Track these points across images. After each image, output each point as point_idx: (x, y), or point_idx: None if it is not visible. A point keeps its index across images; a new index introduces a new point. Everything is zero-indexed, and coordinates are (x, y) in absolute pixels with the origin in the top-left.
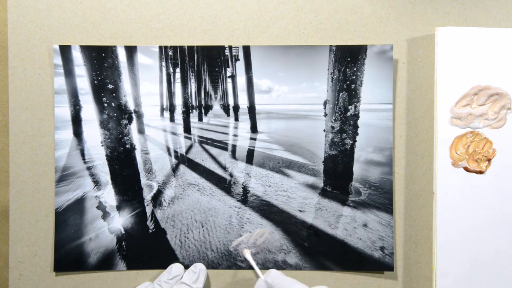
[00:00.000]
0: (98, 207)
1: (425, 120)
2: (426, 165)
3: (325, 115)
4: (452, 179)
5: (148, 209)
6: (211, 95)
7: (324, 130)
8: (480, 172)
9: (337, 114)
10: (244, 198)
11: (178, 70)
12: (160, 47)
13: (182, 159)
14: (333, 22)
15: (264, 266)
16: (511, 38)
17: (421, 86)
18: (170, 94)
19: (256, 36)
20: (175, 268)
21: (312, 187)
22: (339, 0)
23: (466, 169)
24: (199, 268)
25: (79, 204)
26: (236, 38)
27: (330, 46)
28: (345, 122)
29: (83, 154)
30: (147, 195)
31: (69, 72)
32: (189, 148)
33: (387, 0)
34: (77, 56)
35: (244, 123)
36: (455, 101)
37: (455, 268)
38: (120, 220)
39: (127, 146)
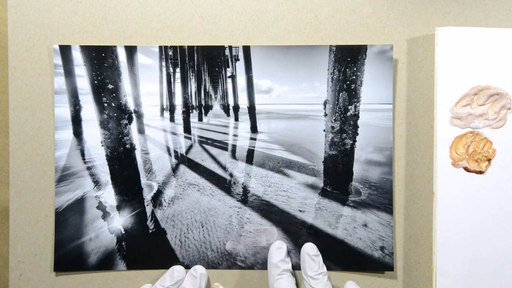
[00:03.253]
0: (98, 207)
1: (425, 120)
2: (426, 165)
3: (325, 115)
4: (452, 179)
5: (148, 209)
6: (211, 95)
7: (324, 130)
8: (480, 172)
9: (337, 114)
10: (244, 198)
11: (178, 70)
12: (160, 47)
13: (182, 159)
14: (333, 22)
15: (264, 266)
16: (511, 38)
17: (421, 86)
18: (170, 94)
19: (256, 36)
20: (177, 272)
21: (312, 187)
22: (339, 0)
23: (466, 169)
24: (199, 272)
25: (79, 204)
26: (236, 38)
27: (330, 46)
28: (345, 122)
29: (83, 154)
30: (147, 195)
31: (69, 72)
32: (189, 148)
33: (387, 0)
34: (77, 56)
35: (244, 123)
36: (455, 101)
37: (455, 268)
38: (120, 220)
39: (127, 146)
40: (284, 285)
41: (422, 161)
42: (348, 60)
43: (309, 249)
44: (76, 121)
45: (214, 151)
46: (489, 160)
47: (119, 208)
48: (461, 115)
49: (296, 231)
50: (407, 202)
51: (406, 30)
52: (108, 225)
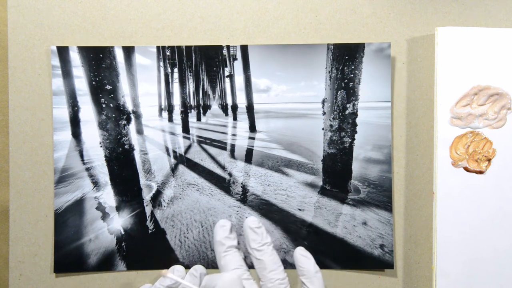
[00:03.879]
0: (97, 208)
1: (425, 120)
2: (426, 165)
3: (324, 113)
4: (452, 179)
5: (148, 210)
6: (209, 95)
7: (323, 129)
8: (480, 172)
9: (335, 112)
10: (244, 197)
11: (176, 70)
12: (158, 47)
13: (181, 159)
14: (333, 22)
15: None
16: (511, 38)
17: (421, 86)
18: (168, 94)
19: (256, 36)
20: (177, 271)
21: (311, 185)
22: (339, 0)
23: (466, 169)
24: (199, 272)
25: (78, 205)
26: (236, 38)
27: (328, 44)
28: (343, 121)
29: (82, 155)
30: (147, 196)
31: (67, 73)
32: (188, 148)
33: (387, 0)
34: (75, 57)
35: (243, 123)
36: (455, 101)
37: (455, 268)
38: (120, 221)
39: (126, 146)
40: (231, 261)
41: (422, 161)
42: (346, 59)
43: (251, 222)
44: (75, 122)
45: (213, 150)
46: (489, 160)
47: (118, 208)
48: (461, 115)
49: (296, 230)
50: (407, 202)
51: (406, 30)
52: (107, 226)
